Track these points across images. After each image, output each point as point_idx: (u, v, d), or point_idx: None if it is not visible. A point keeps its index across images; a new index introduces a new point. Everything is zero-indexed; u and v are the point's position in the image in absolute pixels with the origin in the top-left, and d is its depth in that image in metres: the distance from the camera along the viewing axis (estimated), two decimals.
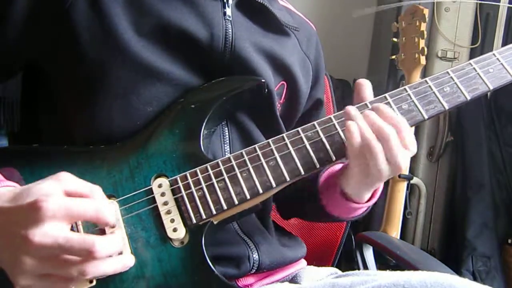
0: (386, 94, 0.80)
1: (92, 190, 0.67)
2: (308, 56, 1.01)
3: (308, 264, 1.02)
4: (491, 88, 0.82)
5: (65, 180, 0.65)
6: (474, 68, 0.82)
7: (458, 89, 0.80)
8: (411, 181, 2.03)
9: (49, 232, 0.60)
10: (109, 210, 0.66)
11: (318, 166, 0.76)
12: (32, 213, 0.60)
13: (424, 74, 2.19)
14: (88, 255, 0.61)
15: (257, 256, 0.86)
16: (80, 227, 0.69)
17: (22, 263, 0.60)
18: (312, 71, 1.02)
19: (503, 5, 2.19)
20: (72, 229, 0.67)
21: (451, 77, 0.81)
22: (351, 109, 0.77)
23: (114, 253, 0.66)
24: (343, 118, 0.78)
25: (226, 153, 0.86)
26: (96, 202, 0.65)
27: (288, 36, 0.97)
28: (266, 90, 0.86)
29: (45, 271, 0.62)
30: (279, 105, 0.94)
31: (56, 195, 0.62)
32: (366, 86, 0.82)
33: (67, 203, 0.62)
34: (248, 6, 0.90)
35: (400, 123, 0.75)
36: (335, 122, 0.79)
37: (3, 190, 0.65)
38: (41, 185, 0.63)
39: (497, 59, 0.83)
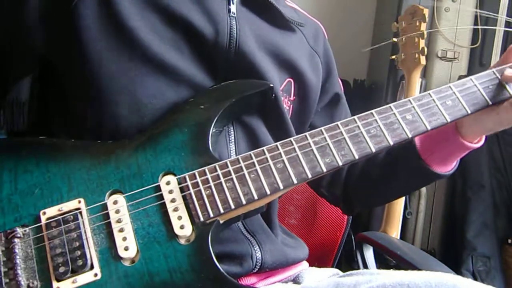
0: (391, 105, 0.82)
1: None
2: (316, 51, 1.02)
3: (310, 265, 1.03)
4: (491, 103, 0.84)
5: None
6: (475, 85, 0.85)
7: (460, 103, 0.83)
8: None
9: None
10: None
11: (324, 170, 0.77)
12: None
13: (424, 74, 2.19)
14: None
15: (260, 255, 0.86)
16: (89, 232, 0.69)
17: None
18: (322, 65, 1.03)
19: (501, 17, 2.19)
20: (80, 235, 0.68)
21: (454, 92, 0.84)
22: None
23: None
24: (349, 126, 0.80)
25: (231, 152, 0.86)
26: None
27: (294, 31, 0.98)
28: (274, 95, 0.87)
29: None
30: (289, 103, 0.95)
31: None
32: None
33: None
34: (253, 3, 0.91)
35: None
36: (342, 129, 0.80)
37: None
38: None
39: (497, 77, 0.86)
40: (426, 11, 1.82)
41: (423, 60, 1.83)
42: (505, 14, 2.17)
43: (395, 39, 1.97)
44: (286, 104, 0.95)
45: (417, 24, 1.84)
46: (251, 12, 0.91)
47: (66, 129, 0.84)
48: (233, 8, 0.87)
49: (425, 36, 1.83)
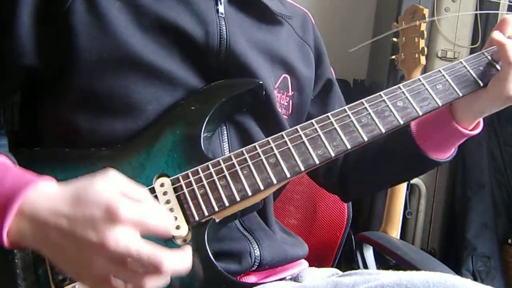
0: (381, 93, 0.83)
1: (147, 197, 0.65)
2: (306, 40, 1.02)
3: (310, 265, 1.02)
4: (482, 84, 0.85)
5: (118, 183, 0.64)
6: (464, 66, 0.85)
7: (450, 86, 0.83)
8: (411, 181, 2.03)
9: (123, 239, 0.58)
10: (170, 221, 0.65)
11: (317, 162, 0.77)
12: (108, 218, 0.58)
13: None
14: (154, 270, 0.60)
15: (258, 252, 0.86)
16: None
17: (93, 265, 0.59)
18: (313, 53, 1.03)
19: (504, 2, 2.18)
20: None
21: (443, 75, 0.84)
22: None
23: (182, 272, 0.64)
24: (340, 116, 0.80)
25: (225, 152, 0.86)
26: (167, 217, 0.64)
27: (282, 24, 0.98)
28: (264, 92, 0.87)
29: (111, 274, 0.60)
30: (288, 98, 0.95)
31: (126, 202, 0.60)
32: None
33: (143, 213, 0.60)
34: (240, 1, 0.91)
35: None
36: (332, 120, 0.80)
37: (55, 190, 0.63)
38: (99, 187, 0.61)
39: (487, 57, 0.87)
40: (426, 11, 1.82)
41: (423, 60, 1.83)
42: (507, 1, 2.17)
43: (395, 39, 1.96)
44: (285, 100, 0.95)
45: (417, 24, 1.83)
46: (238, 11, 0.91)
47: (61, 134, 0.83)
48: (221, 8, 0.87)
49: (425, 36, 1.83)
